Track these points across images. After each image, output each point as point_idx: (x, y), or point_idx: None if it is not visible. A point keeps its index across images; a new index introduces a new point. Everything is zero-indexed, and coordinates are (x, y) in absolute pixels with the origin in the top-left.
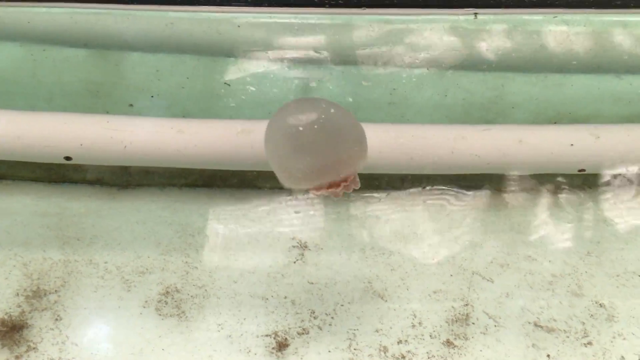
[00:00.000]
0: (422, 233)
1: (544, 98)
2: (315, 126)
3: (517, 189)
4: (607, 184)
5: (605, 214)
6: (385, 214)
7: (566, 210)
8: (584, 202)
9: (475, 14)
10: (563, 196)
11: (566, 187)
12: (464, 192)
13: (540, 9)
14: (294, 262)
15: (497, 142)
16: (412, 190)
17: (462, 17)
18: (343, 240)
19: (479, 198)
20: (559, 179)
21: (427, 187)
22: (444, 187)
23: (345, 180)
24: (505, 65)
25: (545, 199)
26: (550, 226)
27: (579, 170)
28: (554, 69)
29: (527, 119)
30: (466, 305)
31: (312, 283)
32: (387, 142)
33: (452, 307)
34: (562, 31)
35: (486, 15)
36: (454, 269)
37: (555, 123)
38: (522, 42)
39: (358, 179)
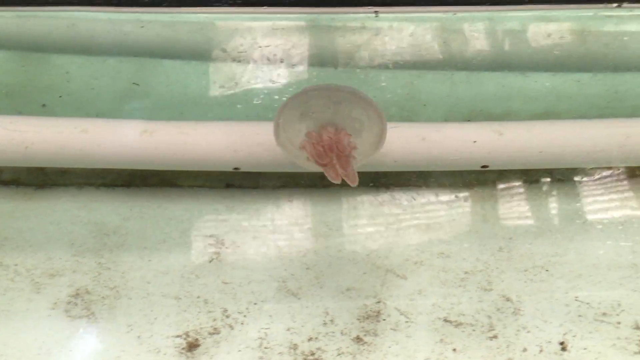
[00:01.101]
0: (337, 231)
1: (454, 96)
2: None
3: (432, 186)
4: (518, 180)
5: (516, 210)
6: (303, 212)
7: (480, 207)
8: (497, 199)
9: (376, 12)
10: (477, 194)
11: (479, 184)
12: (381, 190)
13: (442, 7)
14: (210, 262)
15: (401, 140)
16: (330, 188)
17: (363, 15)
18: (261, 238)
19: (395, 196)
20: (473, 176)
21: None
22: (360, 186)
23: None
24: (413, 63)
25: (460, 197)
26: (465, 223)
27: (482, 167)
28: (460, 67)
29: (440, 117)
30: (378, 302)
31: (227, 282)
32: None
33: (365, 304)
34: (466, 29)
35: (388, 14)
36: (368, 267)
37: (469, 120)
38: (428, 40)
39: (356, 175)
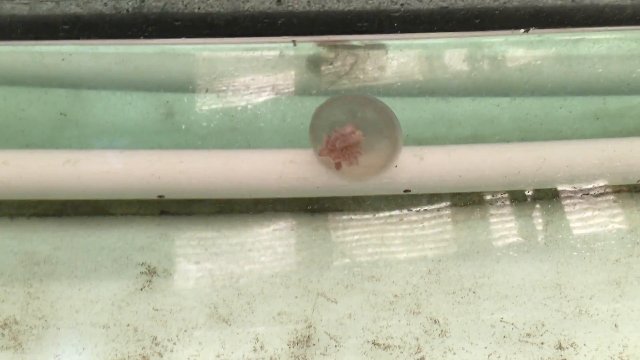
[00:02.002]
0: (270, 256)
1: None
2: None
3: (367, 210)
4: (448, 203)
5: (445, 233)
6: (237, 238)
7: (410, 231)
8: (427, 222)
9: (294, 41)
10: (408, 217)
11: (411, 207)
12: (316, 214)
13: (363, 35)
14: (141, 289)
15: (324, 165)
16: (266, 213)
17: (282, 44)
18: (193, 265)
19: (328, 219)
20: (405, 199)
21: (281, 210)
22: (288, 211)
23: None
24: (335, 89)
25: (391, 220)
26: (395, 246)
27: (405, 191)
28: (383, 93)
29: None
30: (309, 327)
31: (157, 310)
32: (216, 168)
33: (295, 329)
34: (385, 57)
35: (306, 43)
36: (300, 291)
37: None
38: (348, 67)
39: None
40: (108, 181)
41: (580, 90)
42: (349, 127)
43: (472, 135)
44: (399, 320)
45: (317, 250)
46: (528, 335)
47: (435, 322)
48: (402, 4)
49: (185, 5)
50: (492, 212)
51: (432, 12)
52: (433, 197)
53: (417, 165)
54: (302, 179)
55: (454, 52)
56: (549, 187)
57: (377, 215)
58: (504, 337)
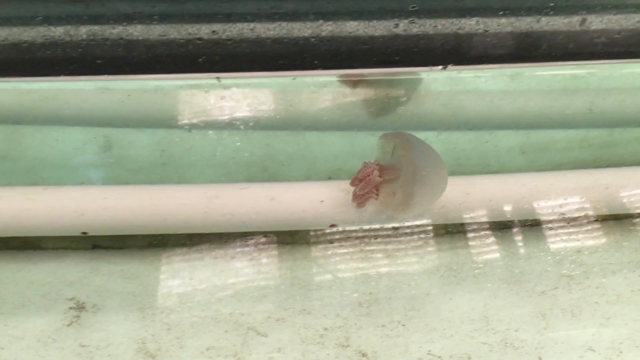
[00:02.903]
0: (202, 290)
1: (311, 155)
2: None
3: (296, 242)
4: (380, 235)
5: (377, 265)
6: (169, 272)
7: (344, 263)
8: (359, 254)
9: (218, 78)
10: (340, 249)
11: (342, 240)
12: (245, 247)
13: (279, 72)
14: (69, 325)
15: (251, 200)
16: (201, 246)
17: (204, 81)
18: (123, 299)
19: (260, 252)
20: (338, 231)
21: (215, 242)
22: (230, 239)
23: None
24: (263, 124)
25: (324, 253)
26: (328, 279)
27: (331, 226)
28: (309, 127)
29: (301, 176)
30: None
31: (84, 346)
32: (140, 204)
33: None
34: (307, 92)
35: (229, 80)
36: (230, 325)
37: (329, 178)
38: (274, 103)
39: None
40: (30, 218)
41: (504, 124)
42: (370, 166)
43: None
44: (328, 354)
45: (251, 284)
46: None
47: (363, 356)
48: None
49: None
50: (423, 244)
51: (352, 50)
52: (365, 230)
53: (343, 200)
54: (228, 214)
55: (379, 87)
56: (471, 221)
57: (313, 248)
58: None
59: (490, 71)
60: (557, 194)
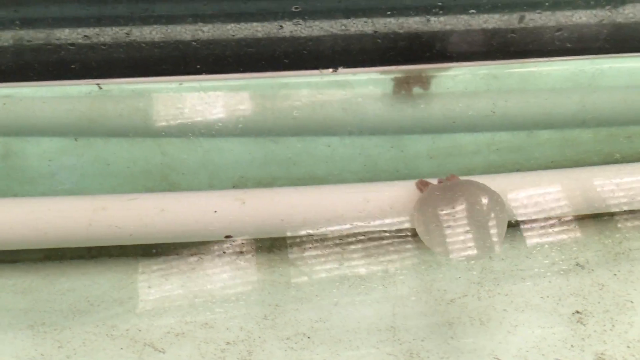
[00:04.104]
0: (99, 305)
1: (211, 163)
2: None
3: (202, 252)
4: (286, 245)
5: (285, 275)
6: (65, 286)
7: (250, 274)
8: (266, 265)
9: (99, 85)
10: (248, 260)
11: (249, 251)
12: (153, 259)
13: (168, 77)
14: None
15: (139, 212)
16: (99, 259)
17: (84, 87)
18: (13, 317)
19: (170, 263)
20: (245, 241)
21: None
22: (124, 255)
23: None
24: (155, 131)
25: (229, 264)
26: (233, 292)
27: (226, 237)
28: (205, 134)
29: (204, 185)
30: None
31: None
32: (20, 217)
33: None
34: (199, 97)
35: (111, 85)
36: (126, 342)
37: (234, 187)
38: (160, 109)
39: None
40: None
41: (408, 129)
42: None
43: (309, 175)
44: None
45: (153, 297)
46: None
47: None
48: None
49: None
50: (333, 253)
51: (238, 53)
52: (274, 240)
53: (238, 209)
54: (114, 227)
55: (275, 90)
56: (372, 229)
57: (217, 259)
58: None
59: (387, 74)
60: None
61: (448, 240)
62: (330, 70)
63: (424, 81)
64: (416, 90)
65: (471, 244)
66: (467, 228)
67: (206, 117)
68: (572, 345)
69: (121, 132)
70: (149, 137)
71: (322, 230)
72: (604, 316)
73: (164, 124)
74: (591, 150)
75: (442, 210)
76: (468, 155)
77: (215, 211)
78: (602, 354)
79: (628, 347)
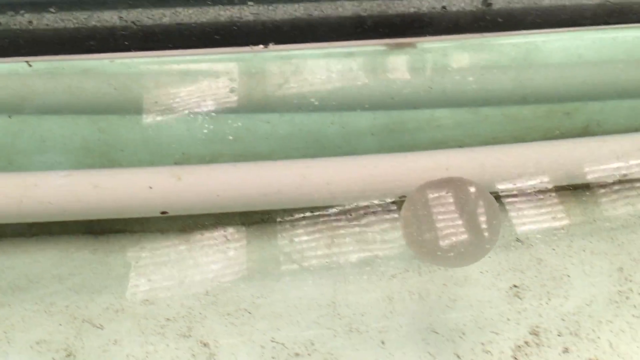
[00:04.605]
0: (38, 282)
1: (150, 140)
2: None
3: (151, 231)
4: (236, 223)
5: (228, 251)
6: (10, 263)
7: (193, 253)
8: (209, 243)
9: (28, 62)
10: (193, 238)
11: (197, 229)
12: (94, 236)
13: (99, 54)
14: None
15: (72, 188)
16: (40, 237)
17: (13, 65)
18: None
19: (109, 241)
20: (190, 221)
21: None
22: (66, 233)
23: None
24: (90, 108)
25: (172, 242)
26: (175, 270)
27: (162, 213)
28: (139, 112)
29: (145, 161)
30: (69, 355)
31: None
32: None
33: (53, 358)
34: (131, 74)
35: (40, 63)
36: (65, 318)
37: (175, 164)
38: (94, 85)
39: None
40: None
41: (348, 105)
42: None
43: (251, 152)
44: (167, 345)
45: (91, 275)
46: (296, 354)
47: (204, 345)
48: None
49: None
50: (276, 230)
51: (168, 28)
52: (220, 217)
53: (173, 185)
54: (47, 203)
55: (208, 68)
56: (310, 205)
57: (159, 235)
58: (273, 357)
59: (324, 49)
60: (395, 177)
61: (440, 242)
62: (261, 46)
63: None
64: (359, 65)
65: (464, 247)
66: (462, 228)
67: (140, 94)
68: (508, 319)
69: (55, 109)
70: (83, 114)
71: (259, 206)
72: (541, 290)
73: (97, 101)
74: (531, 127)
75: (434, 209)
76: (410, 131)
77: (151, 187)
78: (537, 326)
79: (563, 320)
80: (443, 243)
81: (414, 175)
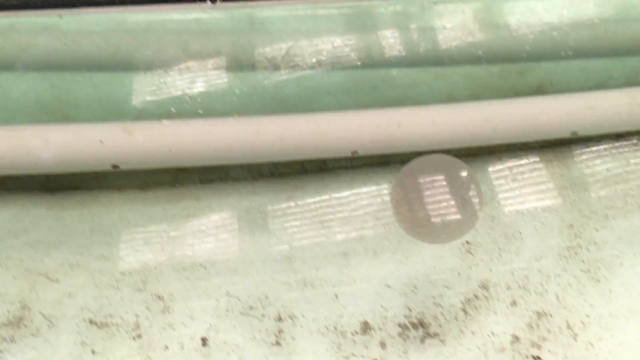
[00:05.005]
0: None
1: (104, 97)
2: None
3: (108, 187)
4: (194, 180)
5: (187, 208)
6: None
7: (151, 206)
8: (168, 199)
9: None
10: (154, 193)
11: (154, 185)
12: (51, 193)
13: (46, 10)
14: None
15: (22, 142)
16: None
17: None
18: None
19: (65, 198)
20: (150, 177)
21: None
22: (22, 189)
23: None
24: (40, 64)
25: (129, 196)
26: (133, 224)
27: (113, 167)
28: (90, 68)
29: (98, 119)
30: (23, 307)
31: None
32: None
33: (8, 310)
34: (80, 29)
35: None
36: (20, 272)
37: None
38: (43, 42)
39: None
40: None
41: (304, 64)
42: None
43: (209, 110)
44: (122, 298)
45: (47, 230)
46: (251, 308)
47: (159, 299)
48: None
49: None
50: (233, 186)
51: None
52: (178, 174)
53: (125, 140)
54: None
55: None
56: (266, 161)
57: (116, 194)
58: (227, 310)
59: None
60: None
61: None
62: (209, 2)
63: None
64: None
65: (454, 217)
66: (452, 202)
67: (90, 50)
68: (459, 274)
69: (6, 66)
70: (34, 71)
71: (212, 162)
72: (492, 246)
73: (49, 57)
74: (485, 86)
75: (423, 180)
76: (365, 90)
77: (101, 141)
78: (487, 281)
79: (512, 274)
80: (435, 221)
81: (366, 131)
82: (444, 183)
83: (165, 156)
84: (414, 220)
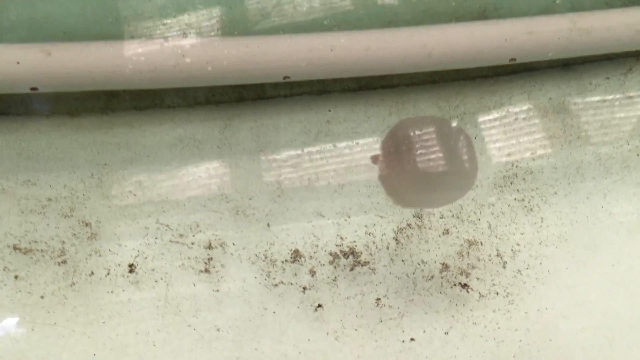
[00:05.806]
0: None
1: (26, 19)
2: None
3: (30, 112)
4: (122, 108)
5: (116, 136)
6: None
7: (82, 135)
8: (99, 124)
9: None
10: (89, 119)
11: (84, 110)
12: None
13: None
14: None
15: None
16: None
17: None
18: None
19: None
20: (75, 102)
21: None
22: None
23: None
24: None
25: (63, 122)
26: (60, 151)
27: (31, 89)
28: None
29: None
30: None
31: None
32: None
33: None
34: None
35: None
36: None
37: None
38: None
39: None
40: None
41: None
42: None
43: (135, 34)
44: (48, 225)
45: None
46: (180, 235)
47: (86, 225)
48: None
49: None
50: (167, 114)
51: None
52: (110, 100)
53: (42, 61)
54: None
55: None
56: (193, 86)
57: (49, 118)
58: (156, 238)
59: None
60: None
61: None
62: None
63: None
64: None
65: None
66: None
67: None
68: (393, 204)
69: None
70: None
71: (134, 85)
72: None
73: None
74: (427, 10)
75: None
76: (302, 14)
77: (18, 62)
78: (420, 210)
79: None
80: (430, 188)
81: (298, 55)
82: (433, 145)
83: (84, 78)
84: (406, 195)
